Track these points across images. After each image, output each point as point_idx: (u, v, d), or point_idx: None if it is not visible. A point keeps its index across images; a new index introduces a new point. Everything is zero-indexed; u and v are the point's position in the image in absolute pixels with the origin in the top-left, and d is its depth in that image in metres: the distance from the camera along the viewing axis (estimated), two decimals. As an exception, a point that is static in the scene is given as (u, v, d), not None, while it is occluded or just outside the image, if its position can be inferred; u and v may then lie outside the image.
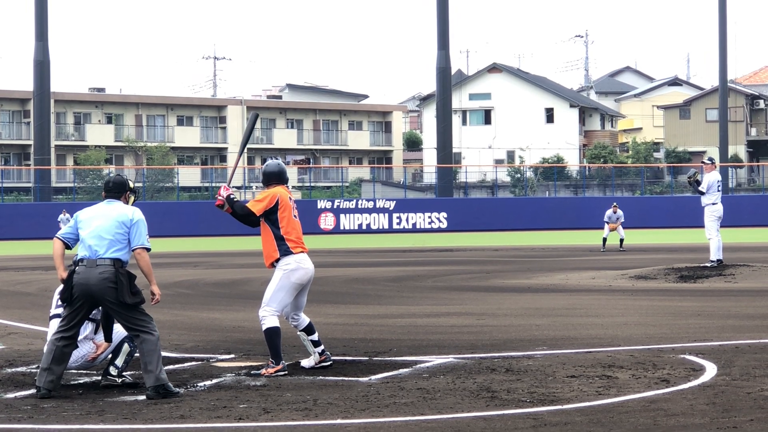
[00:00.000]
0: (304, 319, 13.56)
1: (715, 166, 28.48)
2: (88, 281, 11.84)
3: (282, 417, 10.52)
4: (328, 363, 13.45)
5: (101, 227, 12.06)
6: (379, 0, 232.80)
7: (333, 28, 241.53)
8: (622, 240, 47.01)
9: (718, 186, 27.88)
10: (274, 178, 13.67)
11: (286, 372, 13.00)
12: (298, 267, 13.32)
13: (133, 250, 12.16)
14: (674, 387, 11.87)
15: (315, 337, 13.52)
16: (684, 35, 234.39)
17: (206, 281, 29.62)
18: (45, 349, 12.03)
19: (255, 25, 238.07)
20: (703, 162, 28.85)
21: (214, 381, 12.67)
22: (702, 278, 26.91)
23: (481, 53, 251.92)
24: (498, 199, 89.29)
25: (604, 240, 47.01)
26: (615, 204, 48.96)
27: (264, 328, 13.17)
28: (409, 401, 11.24)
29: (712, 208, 27.77)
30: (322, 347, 13.51)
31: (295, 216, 13.60)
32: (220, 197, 13.33)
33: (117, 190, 12.48)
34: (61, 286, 12.17)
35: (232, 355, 14.79)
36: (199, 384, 12.46)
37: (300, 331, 13.55)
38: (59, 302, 12.38)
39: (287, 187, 13.82)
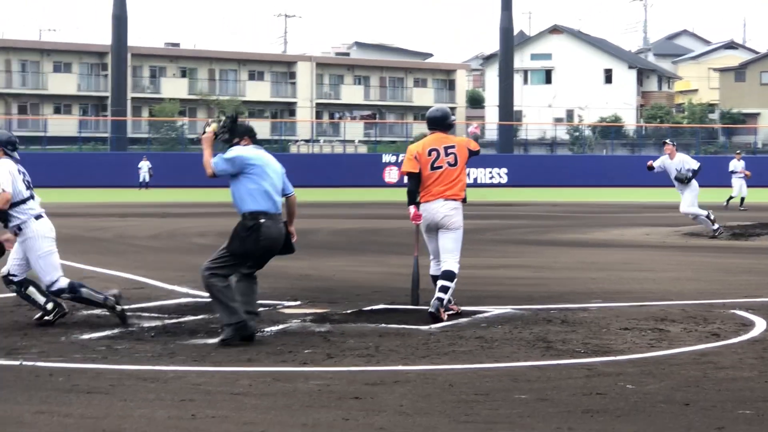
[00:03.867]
0: (442, 265, 13.52)
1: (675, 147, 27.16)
2: (279, 235, 11.87)
3: (345, 362, 10.55)
4: (452, 312, 13.41)
5: (275, 179, 11.95)
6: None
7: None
8: (736, 198, 45.38)
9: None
10: (432, 123, 13.71)
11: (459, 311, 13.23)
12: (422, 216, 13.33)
13: (288, 195, 12.20)
14: (724, 341, 11.82)
15: (441, 283, 13.35)
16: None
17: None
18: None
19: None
20: (665, 143, 27.49)
21: (281, 327, 12.72)
22: (753, 236, 26.78)
23: (543, 15, 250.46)
24: (557, 156, 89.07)
25: (741, 199, 44.99)
26: (738, 151, 47.71)
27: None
28: (467, 350, 11.25)
29: (693, 184, 26.75)
30: (441, 294, 13.29)
31: (436, 167, 13.35)
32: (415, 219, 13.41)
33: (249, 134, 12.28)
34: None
35: (298, 302, 14.85)
36: (266, 329, 12.52)
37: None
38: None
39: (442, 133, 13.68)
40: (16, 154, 12.80)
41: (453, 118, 14.16)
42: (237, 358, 10.78)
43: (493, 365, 10.45)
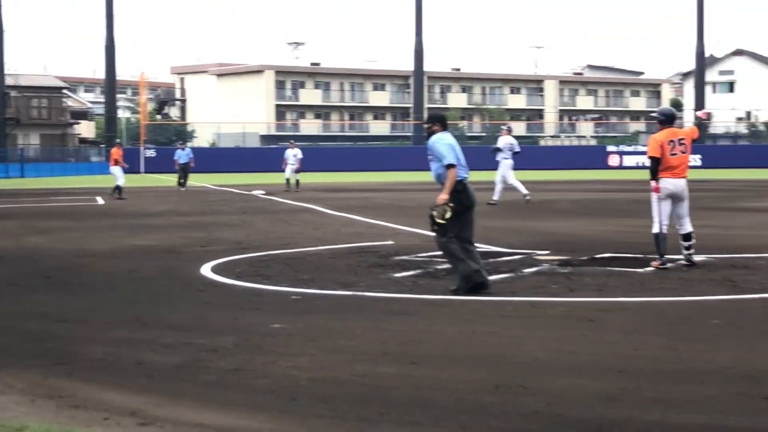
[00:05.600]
0: (684, 228, 12.87)
1: (509, 132, 27.84)
2: (474, 195, 10.91)
3: (582, 294, 10.40)
4: (689, 263, 12.69)
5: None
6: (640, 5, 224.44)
7: (619, 19, 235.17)
8: None
9: (510, 147, 27.13)
10: (667, 120, 12.87)
11: (667, 266, 12.48)
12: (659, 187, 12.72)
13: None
14: None
15: (688, 243, 12.79)
16: None
17: (533, 201, 29.49)
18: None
19: (566, 16, 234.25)
20: (501, 128, 28.65)
21: (535, 269, 12.62)
22: None
23: (727, 41, 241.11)
24: (738, 145, 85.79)
25: None
26: None
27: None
28: (672, 287, 10.94)
29: (506, 162, 27.09)
30: (692, 250, 12.82)
31: (673, 153, 12.61)
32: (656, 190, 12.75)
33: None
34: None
35: (548, 251, 14.70)
36: (524, 270, 12.45)
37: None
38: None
39: (673, 127, 12.89)
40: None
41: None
42: (504, 290, 10.73)
43: (692, 298, 10.15)
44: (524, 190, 27.40)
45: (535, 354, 7.44)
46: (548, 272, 12.31)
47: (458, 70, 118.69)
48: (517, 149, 27.53)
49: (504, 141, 27.57)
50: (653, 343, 7.81)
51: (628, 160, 73.15)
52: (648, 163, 12.88)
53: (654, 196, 12.76)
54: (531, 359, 7.26)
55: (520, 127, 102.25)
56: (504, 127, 28.76)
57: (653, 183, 12.79)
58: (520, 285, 11.17)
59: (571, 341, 7.92)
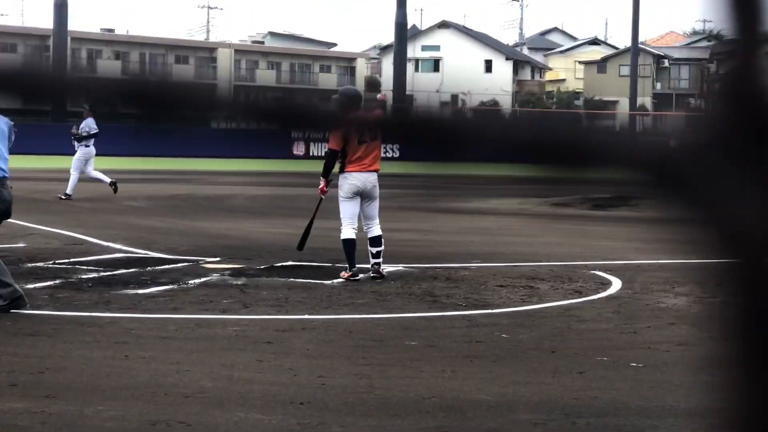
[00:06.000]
0: (373, 231, 13.24)
1: (91, 113, 27.34)
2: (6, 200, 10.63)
3: (259, 311, 10.58)
4: (377, 275, 13.01)
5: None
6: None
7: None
8: None
9: (90, 131, 27.06)
10: (352, 102, 13.01)
11: (358, 277, 12.88)
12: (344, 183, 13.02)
13: None
14: (585, 297, 12.00)
15: (376, 249, 13.12)
16: (603, 1, 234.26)
17: (197, 195, 29.55)
18: None
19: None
20: (83, 107, 28.04)
21: (203, 279, 12.71)
22: (612, 207, 27.09)
23: (433, 12, 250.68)
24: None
25: None
26: None
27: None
28: (364, 302, 11.32)
29: (84, 150, 26.96)
30: (379, 259, 13.10)
31: (362, 141, 12.83)
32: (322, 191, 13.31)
33: None
34: None
35: (218, 258, 14.81)
36: (190, 281, 12.49)
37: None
38: None
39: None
40: None
41: None
42: (164, 306, 10.76)
43: (387, 315, 10.55)
44: (107, 179, 26.85)
45: (201, 383, 7.51)
46: (218, 284, 12.42)
47: (111, 31, 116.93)
48: (96, 129, 26.86)
49: (86, 125, 26.97)
50: (341, 369, 8.07)
51: (316, 149, 74.67)
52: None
53: (340, 193, 13.16)
54: (197, 389, 7.32)
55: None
56: (85, 107, 27.74)
57: (322, 182, 13.17)
58: (183, 299, 11.21)
59: (245, 368, 8.05)
